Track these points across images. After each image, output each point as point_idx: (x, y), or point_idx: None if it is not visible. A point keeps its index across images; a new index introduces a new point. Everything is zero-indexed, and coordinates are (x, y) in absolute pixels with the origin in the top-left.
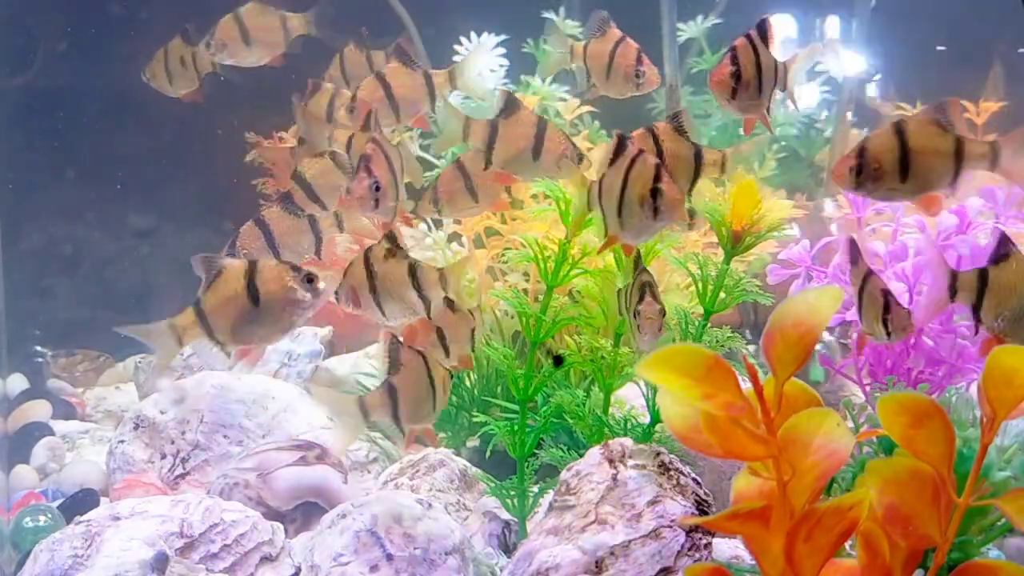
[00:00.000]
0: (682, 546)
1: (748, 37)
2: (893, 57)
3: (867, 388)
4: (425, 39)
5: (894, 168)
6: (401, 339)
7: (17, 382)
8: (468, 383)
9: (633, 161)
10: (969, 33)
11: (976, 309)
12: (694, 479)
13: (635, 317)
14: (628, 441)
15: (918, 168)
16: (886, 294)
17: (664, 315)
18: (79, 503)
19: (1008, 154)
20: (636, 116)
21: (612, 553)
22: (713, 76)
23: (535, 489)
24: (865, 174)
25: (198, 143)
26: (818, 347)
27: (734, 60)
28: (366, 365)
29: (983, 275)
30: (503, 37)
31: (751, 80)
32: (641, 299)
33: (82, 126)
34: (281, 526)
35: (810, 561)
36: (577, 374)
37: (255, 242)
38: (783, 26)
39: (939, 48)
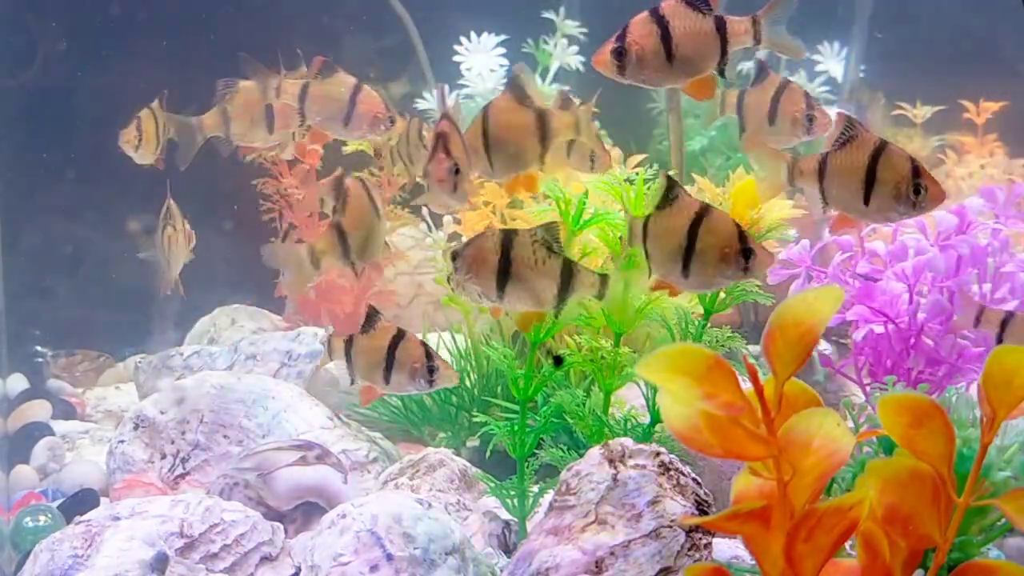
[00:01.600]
0: (682, 546)
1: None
2: (892, 58)
3: (867, 388)
4: (425, 39)
5: (657, 49)
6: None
7: (17, 382)
8: (468, 383)
9: (701, 216)
10: (968, 34)
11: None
12: (694, 479)
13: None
14: (628, 441)
15: (682, 49)
16: None
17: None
18: (79, 503)
19: (767, 26)
20: (636, 116)
21: (612, 553)
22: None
23: (535, 489)
24: (627, 58)
25: None
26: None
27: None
28: None
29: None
30: (503, 37)
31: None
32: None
33: (82, 126)
34: (281, 526)
35: (810, 561)
36: (577, 374)
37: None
38: None
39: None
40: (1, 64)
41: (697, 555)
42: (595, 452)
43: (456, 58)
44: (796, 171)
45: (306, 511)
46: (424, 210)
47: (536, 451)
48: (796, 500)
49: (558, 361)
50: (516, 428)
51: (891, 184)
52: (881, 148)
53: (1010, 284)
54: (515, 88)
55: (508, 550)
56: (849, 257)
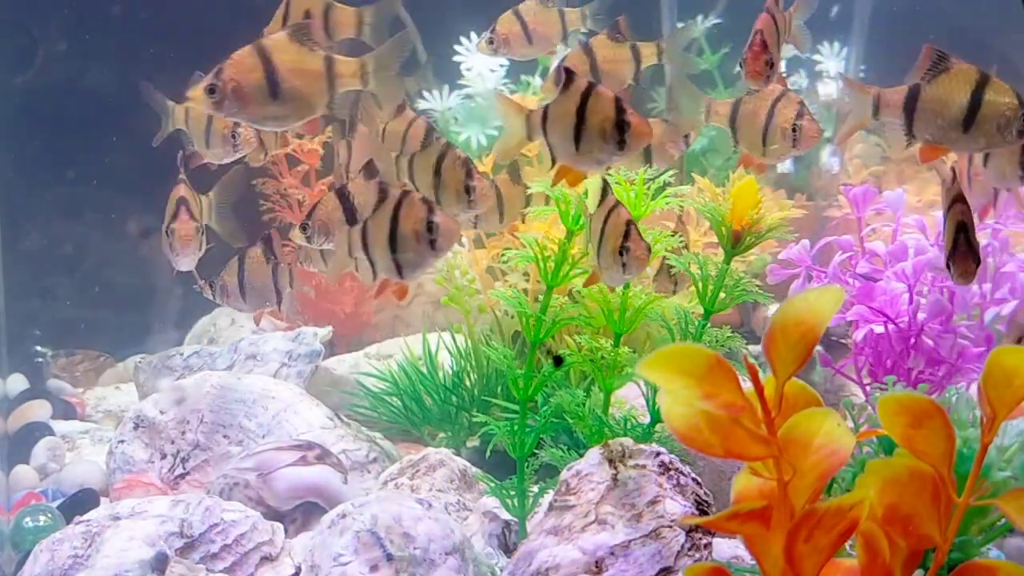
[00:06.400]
0: (682, 546)
1: None
2: (892, 57)
3: (867, 388)
4: (425, 39)
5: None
6: None
7: (17, 382)
8: (468, 383)
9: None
10: (968, 34)
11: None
12: (694, 479)
13: (622, 254)
14: (628, 441)
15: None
16: None
17: (650, 252)
18: (79, 503)
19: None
20: None
21: (612, 553)
22: None
23: (535, 489)
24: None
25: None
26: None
27: None
28: (366, 365)
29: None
30: None
31: None
32: (627, 237)
33: (82, 126)
34: (281, 526)
35: (810, 561)
36: (577, 374)
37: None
38: None
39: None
40: (1, 64)
41: (697, 555)
42: (595, 452)
43: (456, 58)
44: (882, 104)
45: (306, 511)
46: None
47: (536, 451)
48: (796, 500)
49: (558, 361)
50: (516, 428)
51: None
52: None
53: (1010, 284)
54: (298, 32)
55: (508, 550)
56: (849, 257)
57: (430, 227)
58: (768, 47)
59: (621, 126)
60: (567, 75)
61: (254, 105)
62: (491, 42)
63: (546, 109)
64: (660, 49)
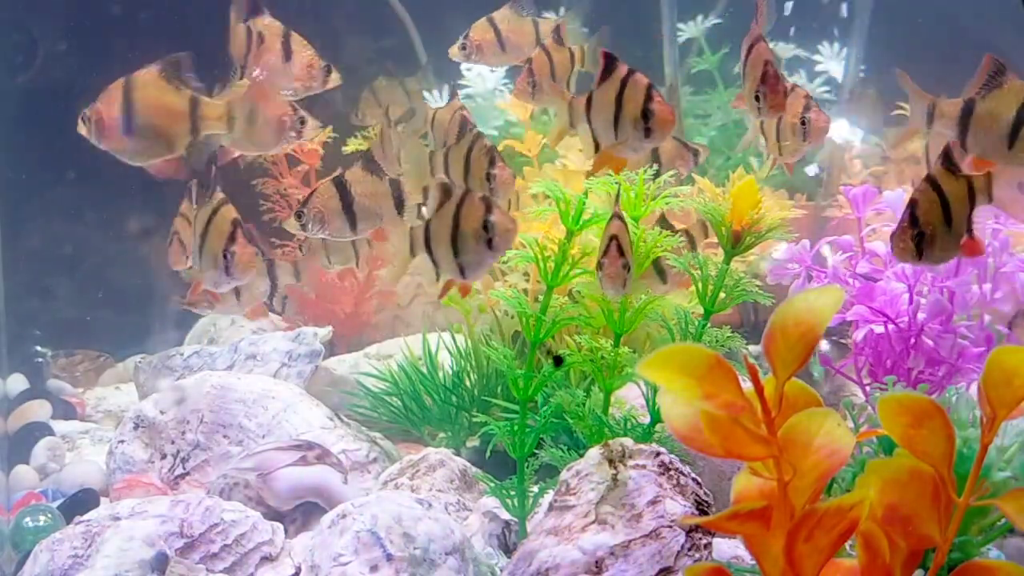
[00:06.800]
0: (682, 546)
1: None
2: (892, 58)
3: (867, 388)
4: (425, 39)
5: None
6: None
7: (17, 382)
8: (468, 383)
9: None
10: (968, 34)
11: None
12: (694, 479)
13: (599, 269)
14: (628, 441)
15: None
16: None
17: (629, 270)
18: (79, 503)
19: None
20: None
21: (612, 553)
22: None
23: (535, 489)
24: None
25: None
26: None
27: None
28: (366, 365)
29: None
30: None
31: None
32: (607, 252)
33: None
34: (281, 526)
35: (810, 561)
36: (577, 374)
37: (330, 202)
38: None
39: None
40: (1, 64)
41: (697, 555)
42: (595, 452)
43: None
44: (937, 113)
45: (306, 511)
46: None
47: (536, 451)
48: (796, 500)
49: (558, 361)
50: (516, 428)
51: None
52: None
53: (1010, 284)
54: (168, 69)
55: (508, 550)
56: (849, 257)
57: (487, 226)
58: (780, 77)
59: (646, 114)
60: (608, 61)
61: (111, 138)
62: (464, 48)
63: (590, 96)
64: (582, 53)
